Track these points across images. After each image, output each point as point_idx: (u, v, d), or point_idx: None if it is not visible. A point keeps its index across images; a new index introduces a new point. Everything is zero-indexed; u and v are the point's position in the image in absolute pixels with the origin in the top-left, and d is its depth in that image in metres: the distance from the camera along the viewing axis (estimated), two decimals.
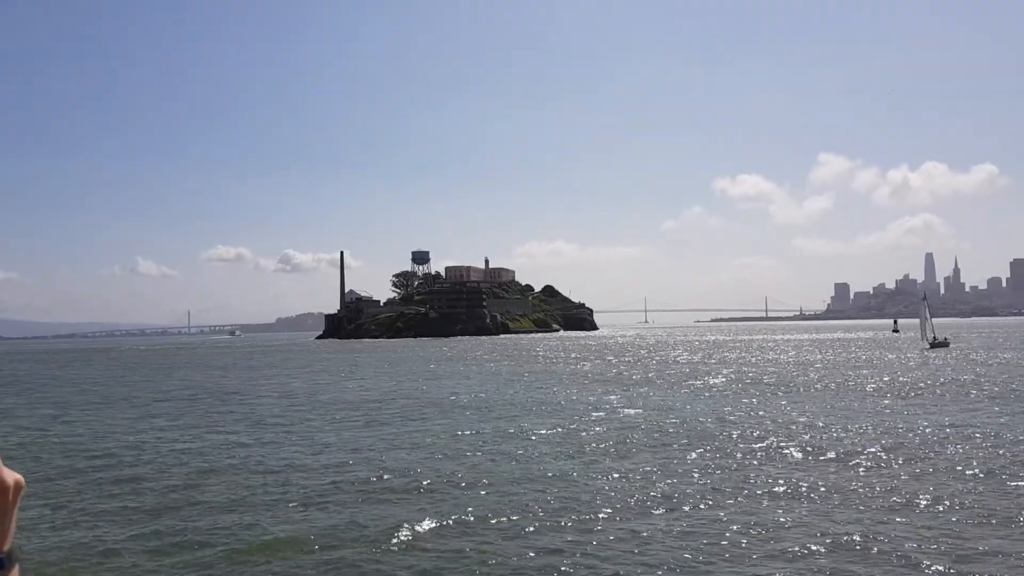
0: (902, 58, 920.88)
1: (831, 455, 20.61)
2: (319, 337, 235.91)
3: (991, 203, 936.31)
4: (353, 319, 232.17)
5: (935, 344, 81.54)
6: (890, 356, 71.57)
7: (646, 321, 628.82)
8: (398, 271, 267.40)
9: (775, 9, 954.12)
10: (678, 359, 74.25)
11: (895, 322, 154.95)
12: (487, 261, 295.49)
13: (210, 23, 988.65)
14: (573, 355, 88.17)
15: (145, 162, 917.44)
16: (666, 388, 42.13)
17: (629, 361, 72.22)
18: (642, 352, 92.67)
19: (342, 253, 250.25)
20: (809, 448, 21.74)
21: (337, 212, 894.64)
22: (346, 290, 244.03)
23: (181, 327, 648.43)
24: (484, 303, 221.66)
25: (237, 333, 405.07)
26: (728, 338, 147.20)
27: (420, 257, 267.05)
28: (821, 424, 26.53)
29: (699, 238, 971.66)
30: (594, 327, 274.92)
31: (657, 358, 76.94)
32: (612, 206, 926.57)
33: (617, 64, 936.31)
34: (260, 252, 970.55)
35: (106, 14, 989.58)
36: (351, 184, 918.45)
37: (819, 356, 74.27)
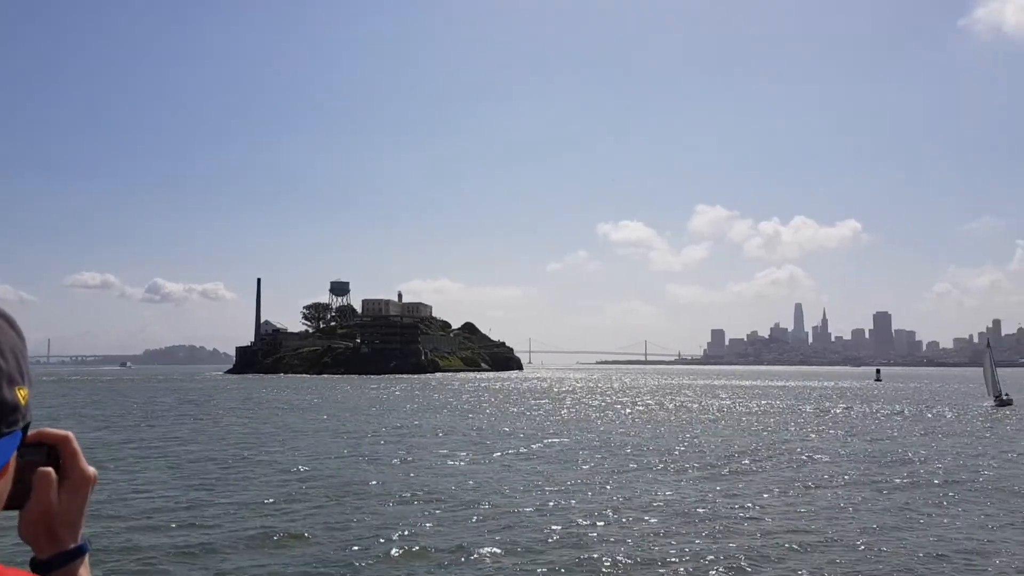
0: (778, 118, 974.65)
1: None
2: (229, 371, 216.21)
3: (853, 257, 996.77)
4: (270, 352, 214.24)
5: (1001, 402, 76.70)
6: (981, 423, 66.28)
7: (530, 361, 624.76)
8: (308, 303, 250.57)
9: (658, 66, 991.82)
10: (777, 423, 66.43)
11: (878, 371, 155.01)
12: (400, 295, 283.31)
13: (89, 26, 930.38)
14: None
15: (2, 175, 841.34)
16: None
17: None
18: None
19: (259, 280, 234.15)
20: None
21: (211, 240, 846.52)
22: (262, 320, 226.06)
23: (40, 356, 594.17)
24: (419, 339, 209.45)
25: (128, 364, 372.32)
26: (690, 382, 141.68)
27: (339, 288, 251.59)
28: None
29: (581, 281, 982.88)
30: (520, 367, 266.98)
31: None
32: (498, 247, 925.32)
33: (507, 109, 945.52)
34: (127, 280, 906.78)
35: None
36: (227, 212, 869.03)
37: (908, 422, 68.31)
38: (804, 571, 15.68)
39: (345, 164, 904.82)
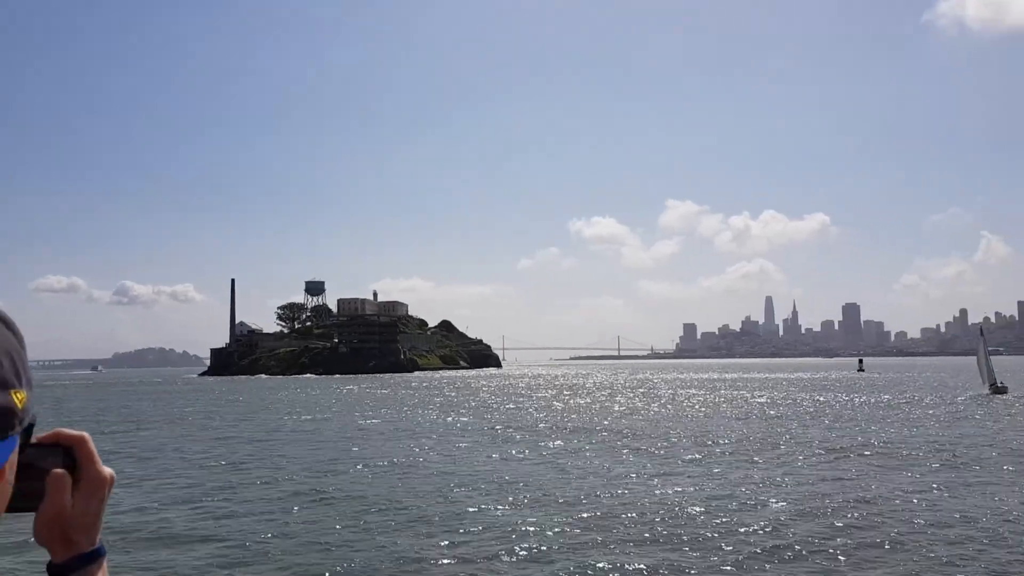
0: (747, 114, 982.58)
1: None
2: (204, 373, 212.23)
3: (822, 250, 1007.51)
4: (246, 354, 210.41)
5: (997, 389, 76.62)
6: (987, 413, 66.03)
7: (504, 359, 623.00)
8: (280, 304, 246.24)
9: (622, 64, 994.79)
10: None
11: (860, 362, 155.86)
12: (375, 294, 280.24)
13: (59, 27, 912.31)
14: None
15: None
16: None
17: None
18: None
19: (232, 281, 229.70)
20: None
21: (180, 241, 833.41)
22: (236, 321, 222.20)
23: None
24: (398, 338, 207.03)
25: (100, 368, 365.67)
26: (673, 376, 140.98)
27: (315, 288, 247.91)
28: None
29: (553, 278, 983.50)
30: (498, 364, 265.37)
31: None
32: (470, 245, 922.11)
33: (478, 109, 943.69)
34: (95, 283, 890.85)
35: None
36: (196, 213, 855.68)
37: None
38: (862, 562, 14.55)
39: (314, 164, 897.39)
